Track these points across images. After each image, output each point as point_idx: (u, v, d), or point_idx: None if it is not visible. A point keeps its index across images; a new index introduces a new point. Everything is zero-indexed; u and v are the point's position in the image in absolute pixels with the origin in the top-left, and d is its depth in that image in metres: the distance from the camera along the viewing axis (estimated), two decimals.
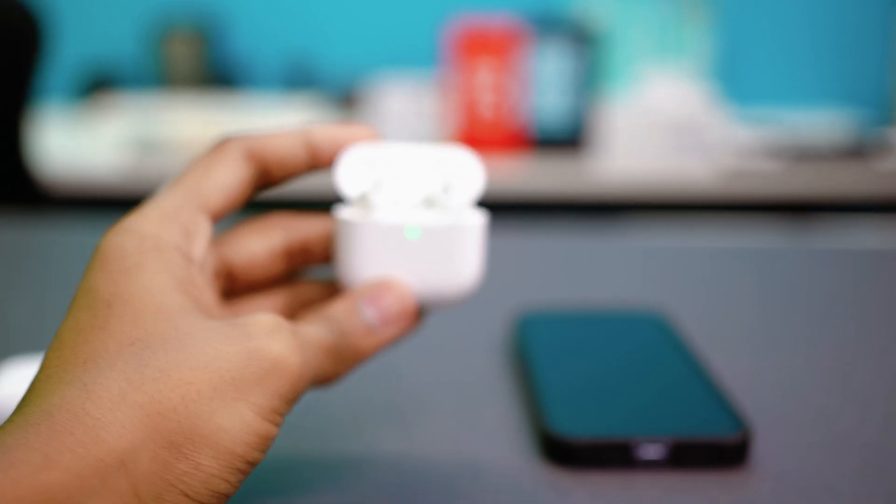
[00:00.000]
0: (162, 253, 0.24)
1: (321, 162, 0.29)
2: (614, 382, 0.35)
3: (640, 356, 0.38)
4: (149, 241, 0.25)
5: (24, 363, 0.34)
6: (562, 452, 0.31)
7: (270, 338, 0.24)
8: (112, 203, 1.50)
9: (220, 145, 0.28)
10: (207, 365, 0.23)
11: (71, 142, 1.55)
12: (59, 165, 1.45)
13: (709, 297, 0.49)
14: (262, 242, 0.29)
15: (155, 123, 1.59)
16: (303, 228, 0.29)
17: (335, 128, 0.29)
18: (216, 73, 1.81)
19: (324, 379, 0.26)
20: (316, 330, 0.26)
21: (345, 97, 1.73)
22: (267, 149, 0.28)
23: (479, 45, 1.48)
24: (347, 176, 0.28)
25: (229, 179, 0.27)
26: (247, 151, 0.27)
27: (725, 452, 0.30)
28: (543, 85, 1.51)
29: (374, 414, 0.35)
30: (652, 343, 0.39)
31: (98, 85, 1.80)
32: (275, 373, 0.23)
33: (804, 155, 1.51)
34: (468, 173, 0.29)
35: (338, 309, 0.27)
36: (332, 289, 0.30)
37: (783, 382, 0.38)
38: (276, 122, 1.60)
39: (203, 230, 0.26)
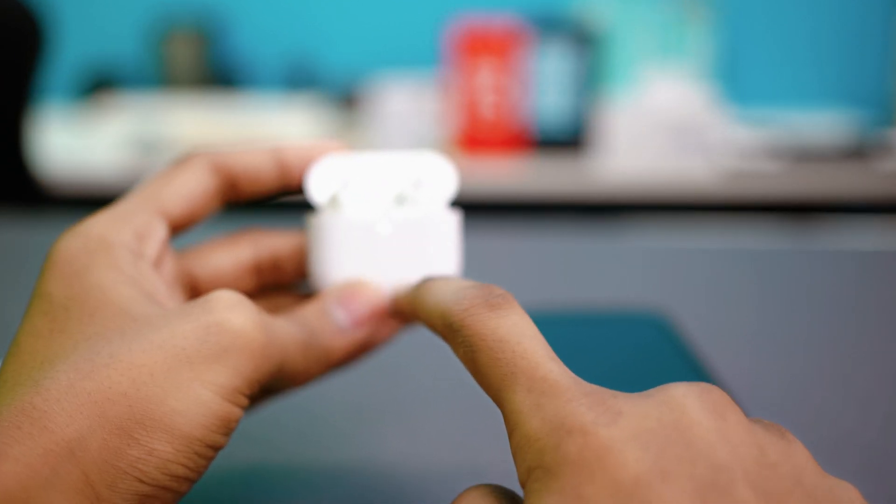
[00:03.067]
0: (109, 251, 0.24)
1: (293, 180, 0.28)
2: (614, 383, 0.35)
3: (639, 356, 0.38)
4: (95, 241, 0.24)
5: None
6: None
7: (231, 311, 0.23)
8: (110, 203, 1.50)
9: (186, 157, 0.28)
10: (162, 345, 0.22)
11: (72, 141, 1.55)
12: (60, 165, 1.45)
13: (709, 298, 0.49)
14: (228, 256, 0.28)
15: (156, 123, 1.59)
16: (274, 244, 0.29)
17: (306, 144, 0.28)
18: (217, 73, 1.81)
19: (292, 375, 0.25)
20: (285, 323, 0.25)
21: (345, 97, 1.73)
22: (234, 162, 0.28)
23: (479, 46, 1.48)
24: (317, 182, 0.28)
25: (190, 187, 0.27)
26: (212, 164, 0.27)
27: None
28: (544, 85, 1.51)
29: (374, 415, 0.35)
30: (652, 343, 0.39)
31: (99, 84, 1.80)
32: (234, 349, 0.22)
33: (805, 156, 1.51)
34: (439, 174, 0.28)
35: (308, 310, 0.26)
36: (307, 300, 0.30)
37: (783, 383, 0.38)
38: (277, 122, 1.60)
39: (157, 232, 0.26)
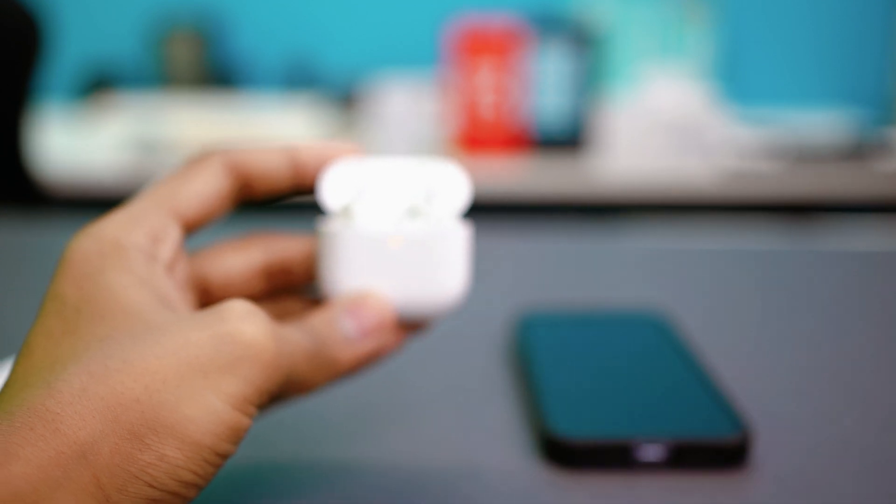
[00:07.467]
0: (122, 254, 0.24)
1: (306, 180, 0.28)
2: (614, 383, 0.35)
3: (639, 357, 0.38)
4: (108, 243, 0.24)
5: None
6: (562, 453, 0.31)
7: (244, 322, 0.23)
8: (112, 203, 1.50)
9: (201, 157, 0.28)
10: (175, 352, 0.22)
11: (71, 142, 1.55)
12: (59, 165, 1.45)
13: (709, 299, 0.49)
14: (239, 259, 0.29)
15: (155, 123, 1.59)
16: (285, 247, 0.29)
17: (320, 145, 0.28)
18: (217, 73, 1.81)
19: (299, 384, 0.25)
20: (294, 332, 0.25)
21: (345, 97, 1.73)
22: (249, 162, 0.28)
23: (479, 46, 1.48)
24: (331, 189, 0.28)
25: (205, 189, 0.27)
26: (227, 164, 0.27)
27: (725, 453, 0.30)
28: (544, 85, 1.51)
29: (374, 415, 0.35)
30: (652, 344, 0.39)
31: (98, 85, 1.80)
32: (247, 359, 0.23)
33: (804, 156, 1.51)
34: (452, 184, 0.29)
35: (317, 319, 0.26)
36: (317, 304, 0.30)
37: (783, 383, 0.38)
38: (276, 122, 1.60)
39: (171, 235, 0.26)
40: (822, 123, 1.71)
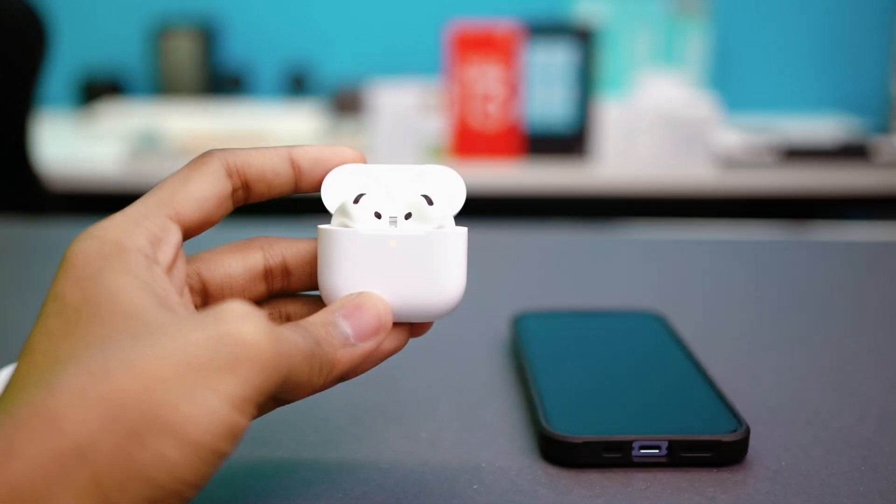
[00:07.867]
0: (123, 255, 0.24)
1: (306, 182, 0.29)
2: (612, 382, 0.35)
3: (638, 356, 0.38)
4: (110, 245, 0.25)
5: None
6: (560, 452, 0.31)
7: (242, 322, 0.23)
8: (112, 207, 1.50)
9: (201, 158, 0.28)
10: (175, 352, 0.22)
11: (71, 146, 1.55)
12: (59, 169, 1.45)
13: (706, 297, 0.49)
14: (239, 262, 0.29)
15: (154, 128, 1.59)
16: (284, 250, 0.29)
17: (320, 148, 0.29)
18: (216, 78, 1.81)
19: (298, 385, 0.25)
20: (292, 334, 0.25)
21: (344, 101, 1.73)
22: (249, 164, 0.28)
23: (477, 48, 1.49)
24: (331, 192, 0.29)
25: (205, 191, 0.27)
26: (228, 166, 0.28)
27: (723, 451, 0.30)
28: (542, 87, 1.51)
29: (373, 414, 0.35)
30: (650, 342, 0.39)
31: (98, 89, 1.80)
32: (246, 359, 0.23)
33: (802, 155, 1.51)
34: (449, 187, 0.29)
35: (315, 320, 0.27)
36: (316, 306, 0.30)
37: (781, 381, 0.38)
38: (275, 126, 1.61)
39: (171, 237, 0.26)
40: (817, 130, 1.71)
